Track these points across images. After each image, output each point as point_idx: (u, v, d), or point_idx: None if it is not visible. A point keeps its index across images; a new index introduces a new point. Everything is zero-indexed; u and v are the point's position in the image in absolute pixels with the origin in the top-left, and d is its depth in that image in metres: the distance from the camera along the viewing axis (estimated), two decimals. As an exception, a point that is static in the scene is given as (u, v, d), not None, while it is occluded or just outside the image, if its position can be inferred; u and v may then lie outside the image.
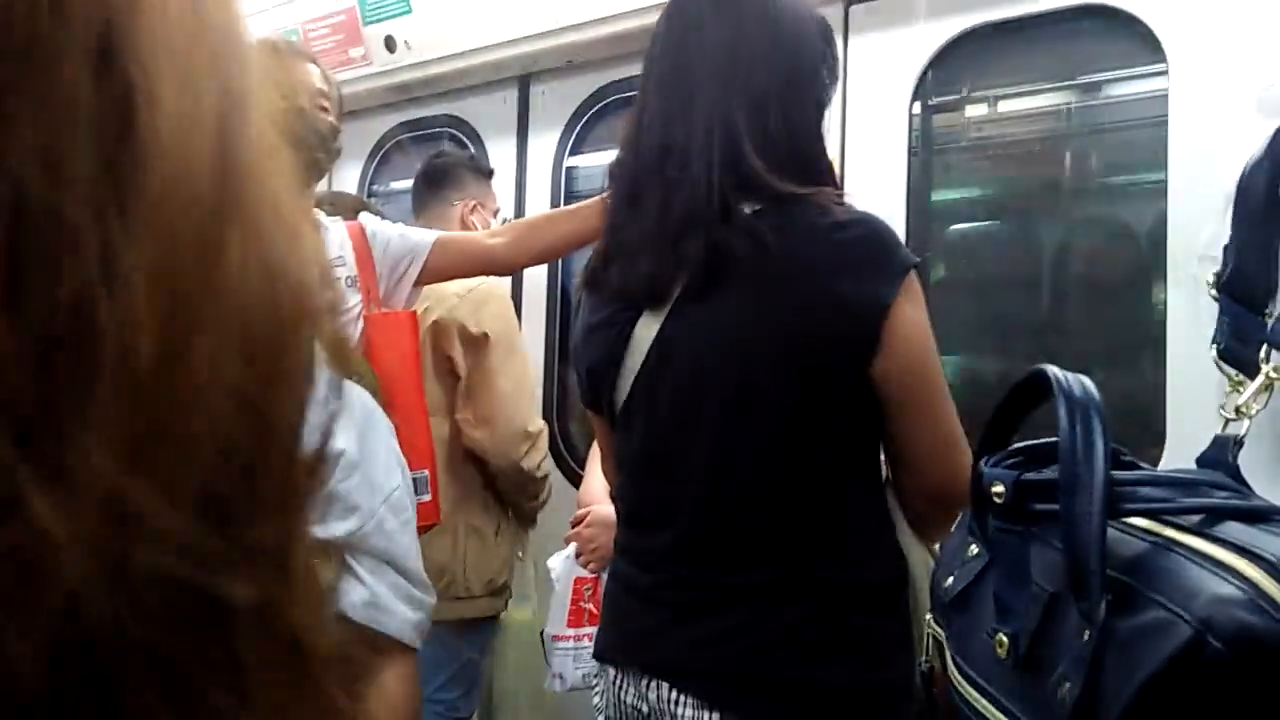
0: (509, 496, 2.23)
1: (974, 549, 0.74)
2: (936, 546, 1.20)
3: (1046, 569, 0.63)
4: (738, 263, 1.07)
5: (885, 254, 1.08)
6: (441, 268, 1.90)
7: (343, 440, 1.08)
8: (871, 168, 2.07)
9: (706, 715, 1.08)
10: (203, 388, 0.21)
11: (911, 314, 1.07)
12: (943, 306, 2.15)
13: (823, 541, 1.10)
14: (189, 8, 0.23)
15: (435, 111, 2.86)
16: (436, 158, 2.43)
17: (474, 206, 2.33)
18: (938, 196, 2.13)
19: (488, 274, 2.05)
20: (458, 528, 2.17)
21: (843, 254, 1.06)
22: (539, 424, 2.21)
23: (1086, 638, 0.55)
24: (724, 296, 1.09)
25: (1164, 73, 1.75)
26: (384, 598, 1.09)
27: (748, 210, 1.09)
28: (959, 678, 0.70)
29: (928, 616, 0.82)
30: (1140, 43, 1.80)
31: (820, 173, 1.15)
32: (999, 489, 0.65)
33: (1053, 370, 0.64)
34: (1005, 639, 0.63)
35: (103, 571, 0.19)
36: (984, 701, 0.65)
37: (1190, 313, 1.61)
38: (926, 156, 2.09)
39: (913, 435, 1.10)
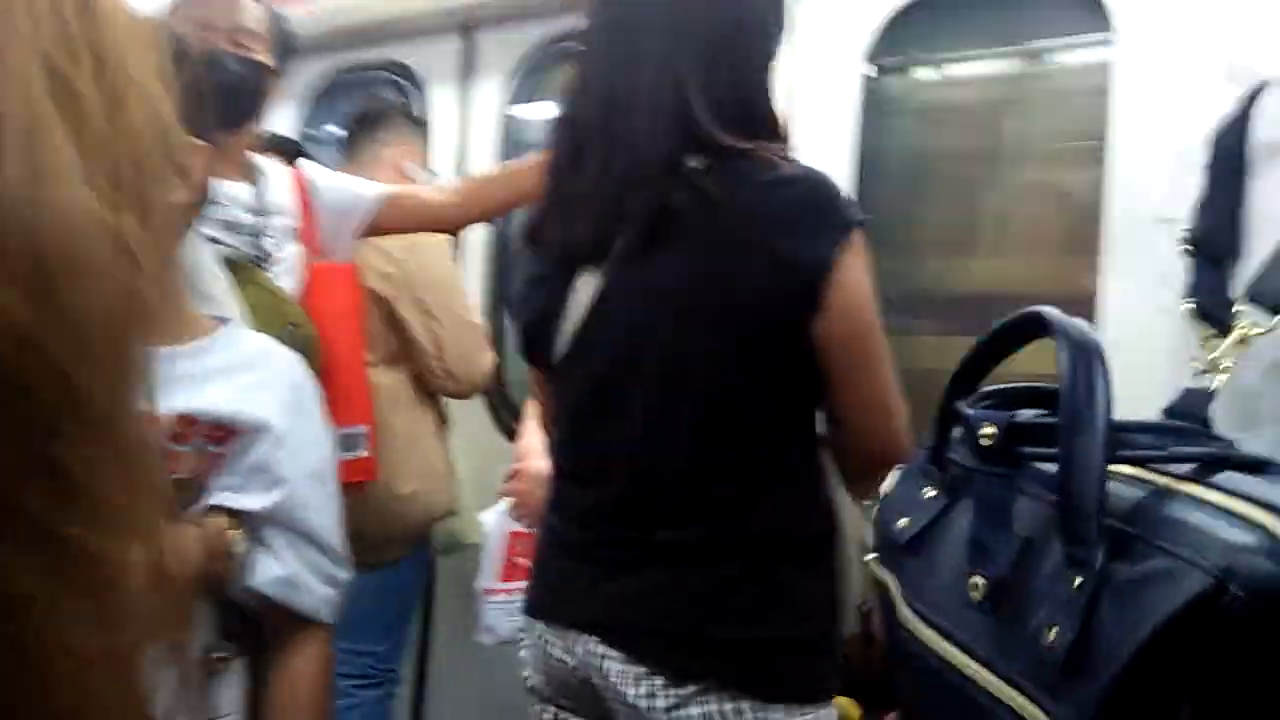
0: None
1: (930, 491, 0.74)
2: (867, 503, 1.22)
3: (1022, 516, 0.63)
4: (680, 219, 1.06)
5: (829, 211, 1.06)
6: (387, 223, 1.85)
7: (269, 411, 1.07)
8: (821, 129, 2.06)
9: (633, 669, 1.08)
10: None
11: (853, 273, 1.06)
12: (880, 268, 2.17)
13: (755, 499, 1.09)
14: None
15: (377, 56, 2.77)
16: (371, 101, 2.37)
17: (407, 149, 2.27)
18: (885, 159, 2.14)
19: (435, 231, 2.01)
20: (414, 467, 2.14)
21: (785, 210, 1.05)
22: (491, 357, 2.20)
23: (1078, 583, 0.54)
24: (665, 253, 1.07)
25: (1108, 42, 1.78)
26: (300, 575, 1.09)
27: (693, 165, 1.07)
28: (913, 619, 0.69)
29: (869, 558, 0.82)
30: (1087, 11, 1.82)
31: (767, 126, 1.13)
32: (989, 430, 0.64)
33: (1052, 311, 0.63)
34: (981, 582, 0.62)
35: None
36: (945, 644, 0.64)
37: (1126, 275, 1.66)
38: (876, 119, 2.09)
39: (850, 395, 1.10)
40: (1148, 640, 0.50)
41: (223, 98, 1.61)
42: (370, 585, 2.11)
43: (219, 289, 1.26)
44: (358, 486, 1.83)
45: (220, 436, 1.05)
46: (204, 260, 1.27)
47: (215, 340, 1.10)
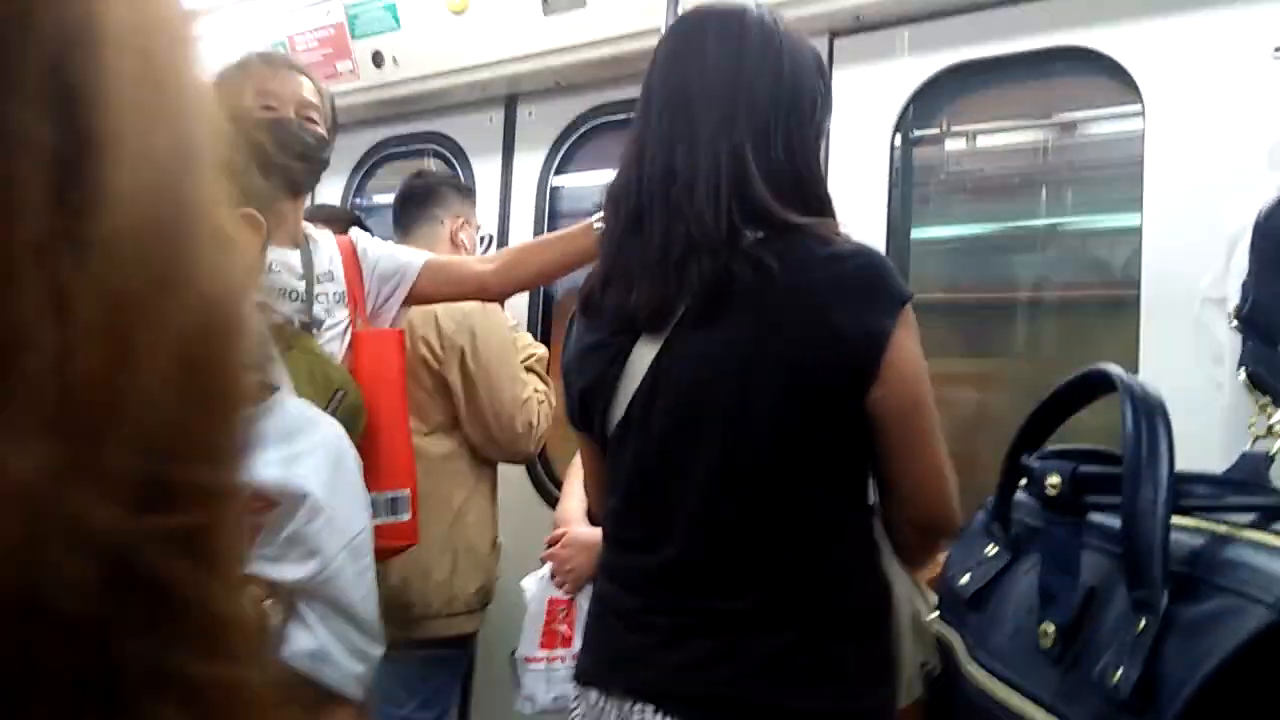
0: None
1: (992, 549, 0.75)
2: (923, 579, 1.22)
3: (1086, 565, 0.64)
4: (740, 290, 1.08)
5: (883, 285, 1.09)
6: (431, 291, 1.89)
7: (312, 482, 1.07)
8: (854, 198, 2.10)
9: None
10: (140, 400, 0.23)
11: (907, 345, 1.08)
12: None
13: (810, 568, 1.10)
14: (145, 50, 0.25)
15: (421, 128, 2.87)
16: (417, 177, 2.43)
17: (462, 224, 2.33)
18: (917, 229, 2.17)
19: (477, 299, 2.04)
20: (457, 545, 2.16)
21: (842, 284, 1.07)
22: (527, 394, 2.20)
23: (1144, 624, 0.56)
24: (724, 322, 1.09)
25: (1140, 113, 1.81)
26: (330, 648, 1.08)
27: (751, 238, 1.10)
28: (979, 673, 0.70)
29: (932, 616, 0.82)
30: (1117, 83, 1.86)
31: (821, 202, 1.16)
32: (1055, 480, 0.66)
33: (1115, 369, 0.66)
34: (1052, 628, 0.64)
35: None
36: (1011, 694, 0.65)
37: (1163, 346, 1.67)
38: (906, 189, 2.14)
39: (903, 465, 1.11)
40: (1212, 675, 0.51)
41: (291, 167, 1.67)
42: (416, 656, 2.13)
43: (267, 356, 1.28)
44: (399, 550, 1.85)
45: (260, 506, 1.03)
46: (256, 327, 1.30)
47: (262, 408, 1.09)
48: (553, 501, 2.24)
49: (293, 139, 1.68)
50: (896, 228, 2.09)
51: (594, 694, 1.18)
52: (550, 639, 2.00)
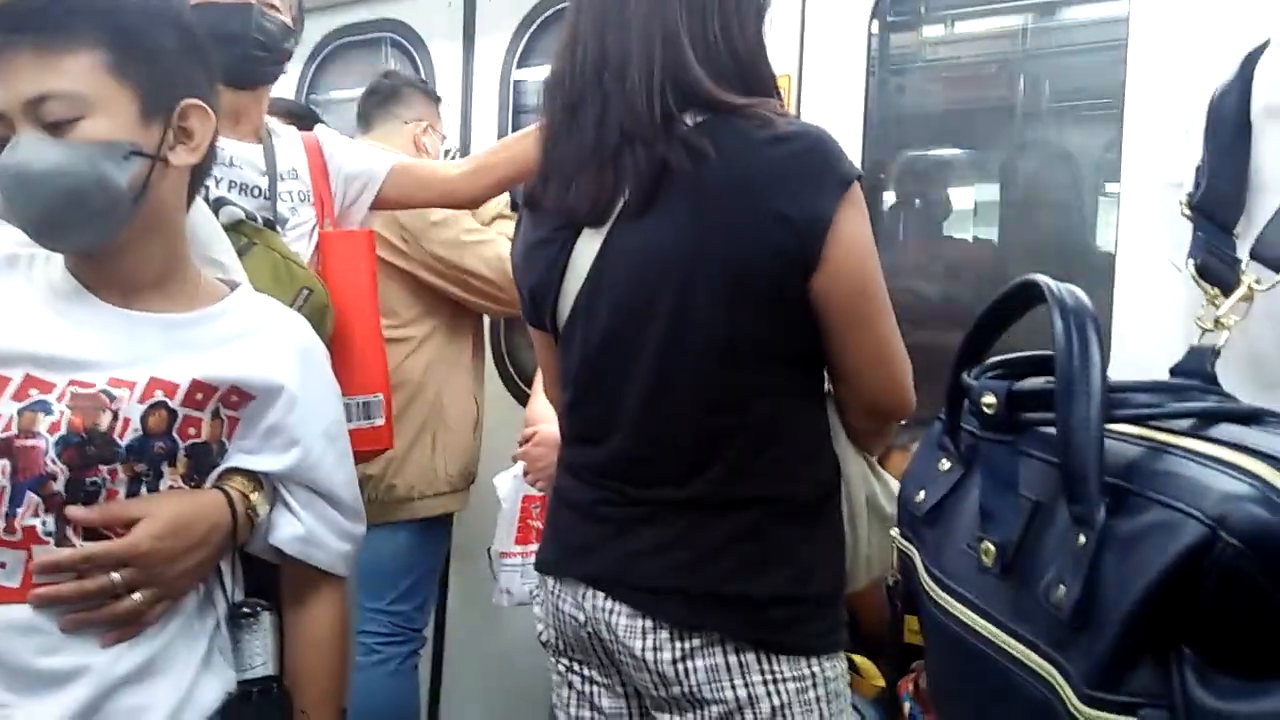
0: None
1: (946, 464, 0.75)
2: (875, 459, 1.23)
3: (1029, 479, 0.64)
4: (678, 178, 1.05)
5: (826, 167, 1.05)
6: (398, 195, 1.84)
7: (282, 374, 1.09)
8: (828, 85, 2.04)
9: (639, 623, 1.11)
10: None
11: (853, 228, 1.05)
12: (894, 225, 2.17)
13: (758, 456, 1.10)
14: None
15: (376, 15, 2.75)
16: (385, 77, 2.37)
17: (425, 128, 2.27)
18: (894, 116, 2.12)
19: (446, 206, 1.99)
20: (436, 427, 2.18)
21: (783, 167, 1.04)
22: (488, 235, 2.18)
23: (1083, 541, 0.55)
24: (663, 213, 1.07)
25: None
26: (316, 532, 1.13)
27: (689, 122, 1.07)
28: (935, 589, 0.71)
29: (894, 531, 0.83)
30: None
31: (763, 82, 1.12)
32: (990, 399, 0.66)
33: (1044, 279, 0.64)
34: (992, 547, 0.64)
35: None
36: (965, 609, 0.66)
37: (1141, 236, 1.65)
38: (883, 76, 2.08)
39: (853, 350, 1.10)
40: (1147, 591, 0.51)
41: (252, 53, 1.61)
42: (398, 546, 2.16)
43: (226, 254, 1.26)
44: (374, 454, 1.85)
45: (235, 401, 1.07)
46: (212, 225, 1.27)
47: (225, 306, 1.11)
48: (524, 399, 2.24)
49: (251, 25, 1.60)
50: (873, 113, 2.03)
51: (551, 581, 1.22)
52: (525, 534, 2.03)
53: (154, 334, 1.04)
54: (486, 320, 2.51)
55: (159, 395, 1.02)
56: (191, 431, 1.04)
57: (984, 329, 0.73)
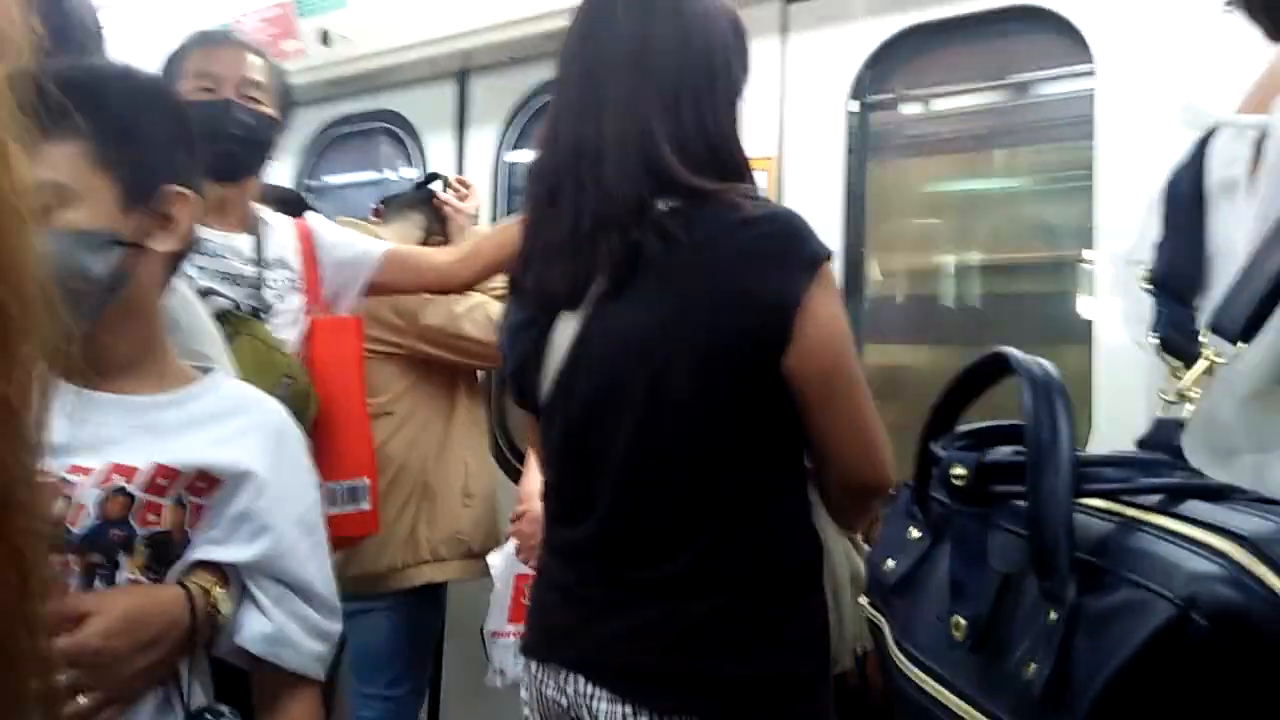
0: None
1: (915, 533, 0.75)
2: (860, 536, 1.23)
3: (999, 552, 0.64)
4: (651, 261, 1.07)
5: (795, 247, 1.07)
6: (391, 281, 1.87)
7: (251, 459, 1.04)
8: (810, 166, 2.09)
9: (619, 708, 1.10)
10: None
11: (823, 307, 1.07)
12: (879, 297, 2.19)
13: (737, 534, 1.10)
14: None
15: (372, 106, 2.83)
16: (416, 192, 2.39)
17: (442, 245, 2.30)
18: (874, 193, 2.16)
19: (437, 292, 2.02)
20: (419, 496, 2.15)
21: (753, 249, 1.06)
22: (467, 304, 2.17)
23: (1054, 617, 0.55)
24: (638, 295, 1.09)
25: (1091, 73, 1.81)
26: (287, 630, 1.05)
27: (663, 207, 1.09)
28: (904, 661, 0.70)
29: (863, 600, 0.83)
30: (1069, 43, 1.85)
31: (736, 167, 1.15)
32: (960, 471, 0.66)
33: (1012, 352, 0.64)
34: (963, 621, 0.63)
35: None
36: (934, 684, 0.65)
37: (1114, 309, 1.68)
38: (863, 154, 2.13)
39: (829, 428, 1.11)
40: (1118, 671, 0.51)
41: (231, 149, 1.64)
42: (387, 627, 2.13)
43: (206, 341, 1.25)
44: (358, 540, 1.84)
45: (201, 487, 1.02)
46: (192, 312, 1.26)
47: (196, 389, 1.08)
48: (517, 476, 2.24)
49: (229, 121, 1.64)
50: (854, 193, 2.08)
51: (534, 665, 1.21)
52: (518, 613, 2.02)
53: (118, 417, 1.00)
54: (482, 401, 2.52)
55: (117, 480, 0.97)
56: (151, 518, 0.99)
57: (953, 398, 0.73)
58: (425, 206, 2.31)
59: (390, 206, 2.33)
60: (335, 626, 1.11)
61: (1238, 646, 0.49)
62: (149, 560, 0.99)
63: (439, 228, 2.29)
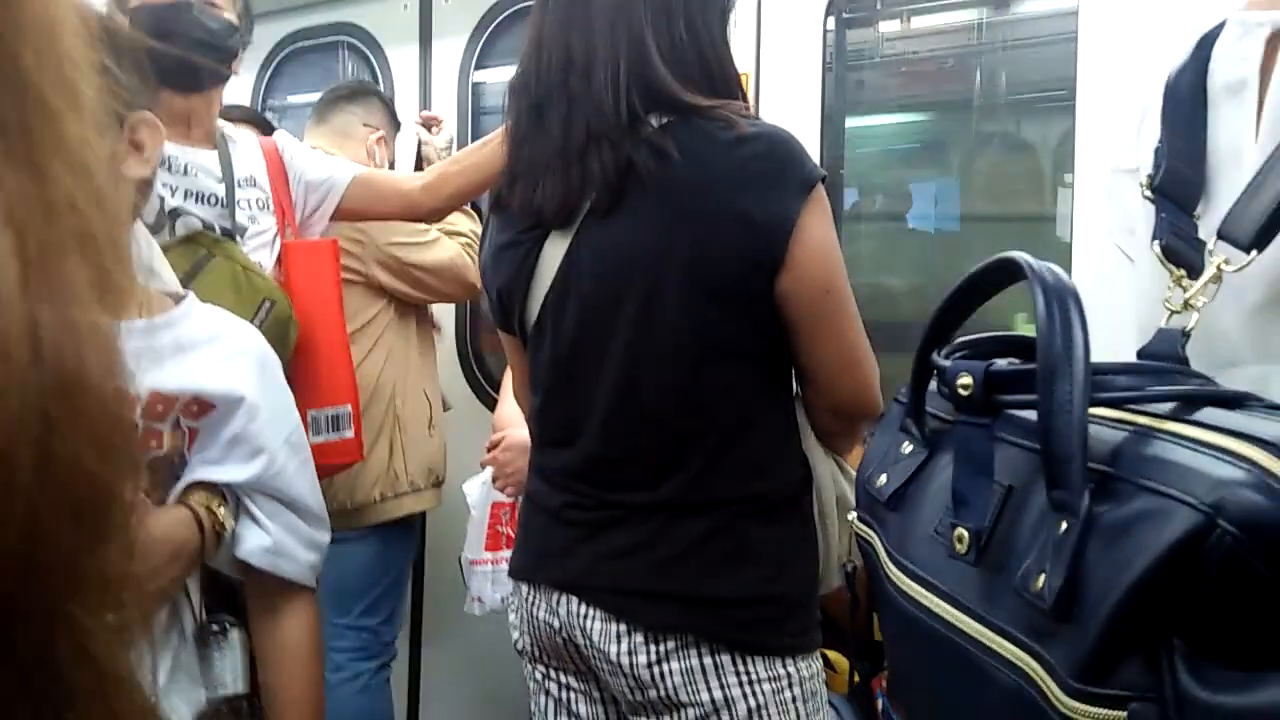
0: None
1: (909, 446, 0.73)
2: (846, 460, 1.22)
3: (1002, 465, 0.62)
4: (643, 179, 1.05)
5: (790, 168, 1.06)
6: (358, 206, 1.81)
7: (241, 383, 1.07)
8: (786, 82, 2.05)
9: (613, 627, 1.10)
10: None
11: (817, 229, 1.06)
12: (856, 219, 2.17)
13: (726, 457, 1.10)
14: None
15: (331, 19, 2.71)
16: (359, 83, 2.36)
17: (380, 138, 2.24)
18: (852, 114, 2.13)
19: (406, 219, 1.97)
20: (392, 428, 2.14)
21: (746, 169, 1.04)
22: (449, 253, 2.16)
23: (1065, 528, 0.53)
24: (629, 214, 1.07)
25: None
26: (283, 542, 1.10)
27: (655, 123, 1.06)
28: (899, 575, 0.69)
29: (852, 516, 0.81)
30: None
31: (728, 84, 1.12)
32: (966, 380, 0.63)
33: (1024, 257, 0.62)
34: (965, 533, 0.61)
35: None
36: (932, 596, 0.64)
37: (1096, 224, 1.68)
38: (840, 71, 2.08)
39: (819, 351, 1.10)
40: (1139, 580, 0.49)
41: (192, 54, 1.55)
42: (363, 558, 2.12)
43: (161, 263, 1.23)
44: (343, 467, 1.81)
45: (195, 411, 1.04)
46: (145, 236, 1.24)
47: (176, 316, 1.08)
48: (492, 405, 2.22)
49: (190, 23, 1.55)
50: (830, 110, 2.04)
51: (525, 588, 1.21)
52: (494, 541, 2.01)
53: None
54: (453, 325, 2.48)
55: None
56: (153, 444, 1.01)
57: (954, 308, 0.71)
58: (364, 99, 2.24)
59: (325, 103, 2.25)
60: (325, 537, 1.17)
61: (1267, 552, 0.47)
62: (150, 484, 1.02)
63: (381, 122, 2.23)
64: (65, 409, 0.25)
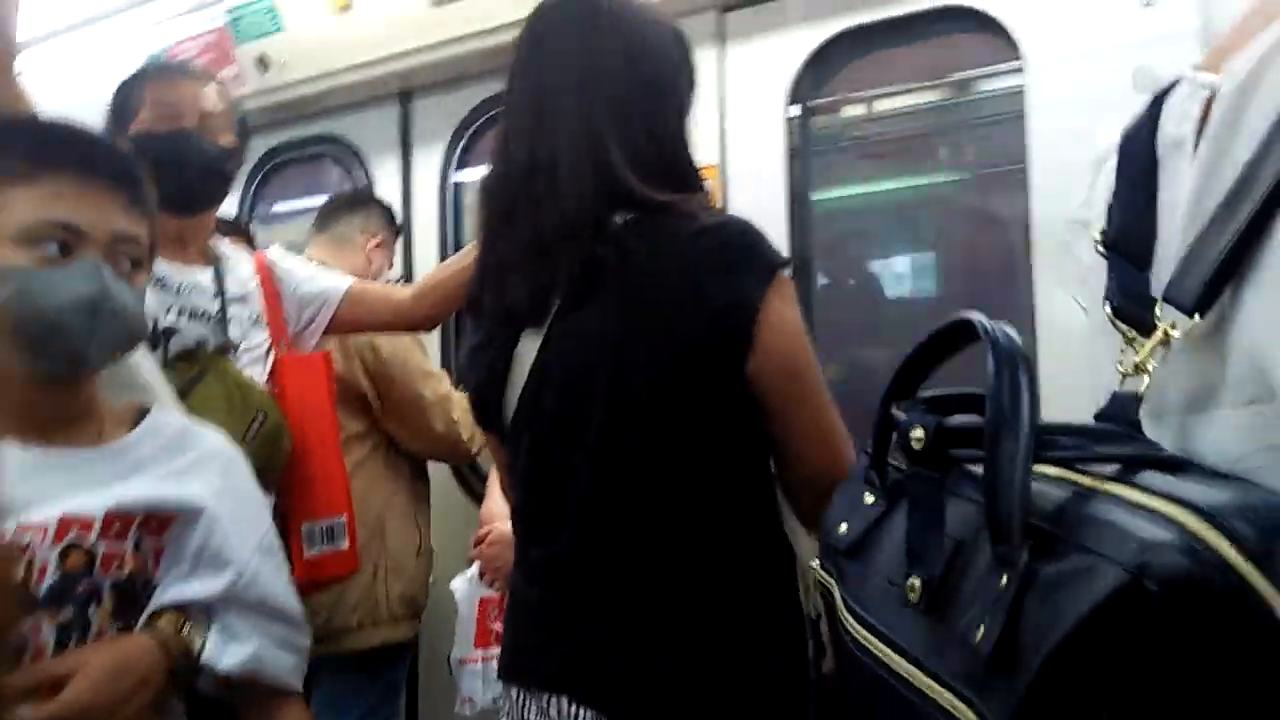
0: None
1: (870, 497, 0.75)
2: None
3: (954, 518, 0.64)
4: (609, 274, 1.07)
5: (752, 255, 1.08)
6: (351, 319, 1.83)
7: (203, 494, 1.07)
8: (752, 171, 2.11)
9: None
10: None
11: (782, 312, 1.07)
12: (827, 297, 2.22)
13: (707, 541, 1.10)
14: None
15: (314, 131, 2.80)
16: (359, 191, 2.46)
17: (379, 243, 2.29)
18: (818, 196, 2.19)
19: (397, 330, 1.99)
20: (378, 553, 2.12)
21: (709, 258, 1.06)
22: (445, 389, 2.20)
23: (1005, 581, 0.55)
24: (597, 308, 1.08)
25: (1020, 70, 1.86)
26: (263, 650, 1.09)
27: (619, 220, 1.09)
28: (854, 624, 0.70)
29: (813, 563, 0.82)
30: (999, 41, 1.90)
31: (687, 178, 1.16)
32: (919, 434, 0.65)
33: (978, 317, 0.64)
34: (918, 583, 0.63)
35: None
36: (881, 645, 0.65)
37: (1055, 288, 1.73)
38: (805, 157, 2.15)
39: (792, 431, 1.11)
40: (1066, 636, 0.50)
41: (192, 180, 1.60)
42: (344, 685, 2.07)
43: (152, 375, 1.24)
44: (340, 579, 1.81)
45: (155, 527, 1.04)
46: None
47: (136, 435, 1.09)
48: (479, 500, 2.22)
49: (191, 151, 1.60)
50: (797, 195, 2.10)
51: (514, 691, 1.18)
52: (484, 638, 1.98)
53: (64, 475, 1.01)
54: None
55: (74, 534, 0.98)
56: (114, 566, 1.00)
57: (915, 364, 0.73)
58: (363, 206, 2.30)
59: (325, 212, 2.30)
60: (305, 640, 1.16)
61: (1188, 615, 0.48)
62: (116, 606, 1.01)
63: (379, 227, 2.28)
64: None
